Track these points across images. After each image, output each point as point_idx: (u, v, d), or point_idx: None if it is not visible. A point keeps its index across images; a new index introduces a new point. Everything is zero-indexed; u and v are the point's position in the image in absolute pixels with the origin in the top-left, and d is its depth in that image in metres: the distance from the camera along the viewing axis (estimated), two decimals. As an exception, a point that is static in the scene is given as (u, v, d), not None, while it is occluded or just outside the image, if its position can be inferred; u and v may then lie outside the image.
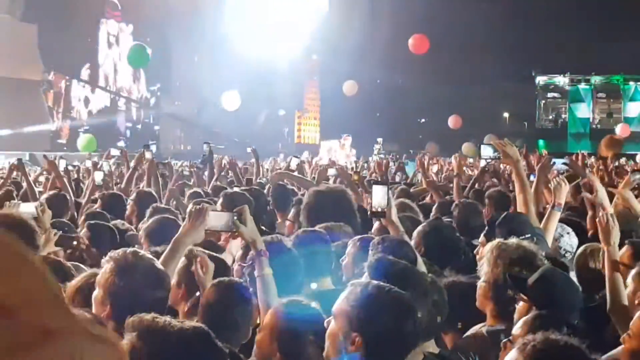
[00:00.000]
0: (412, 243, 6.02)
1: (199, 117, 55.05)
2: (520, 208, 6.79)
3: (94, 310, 3.90)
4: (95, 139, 24.47)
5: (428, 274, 4.85)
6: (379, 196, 5.78)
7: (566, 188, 6.90)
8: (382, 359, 3.37)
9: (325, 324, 3.50)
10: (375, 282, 3.63)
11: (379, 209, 5.80)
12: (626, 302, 4.85)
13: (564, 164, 8.92)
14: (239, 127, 52.06)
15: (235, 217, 4.61)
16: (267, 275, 4.59)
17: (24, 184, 12.56)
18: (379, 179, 12.85)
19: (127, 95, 53.20)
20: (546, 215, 6.76)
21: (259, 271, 4.59)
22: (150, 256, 4.18)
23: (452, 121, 38.74)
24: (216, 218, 4.63)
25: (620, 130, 44.72)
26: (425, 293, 4.11)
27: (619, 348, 4.03)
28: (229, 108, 23.14)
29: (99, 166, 12.99)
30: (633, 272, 4.88)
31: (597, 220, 5.04)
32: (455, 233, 6.40)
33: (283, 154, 36.13)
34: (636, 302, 4.67)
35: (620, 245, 5.81)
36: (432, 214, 8.54)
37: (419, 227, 6.34)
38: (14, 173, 13.49)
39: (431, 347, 4.26)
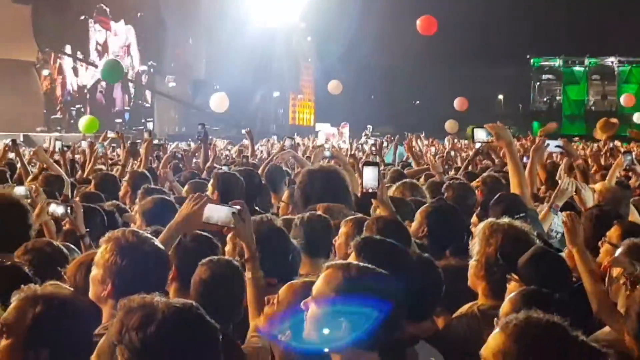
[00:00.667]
0: (415, 223, 6.08)
1: (193, 98, 54.97)
2: (514, 190, 6.83)
3: (92, 290, 3.93)
4: (97, 121, 24.45)
5: (424, 254, 4.88)
6: (370, 177, 5.81)
7: (569, 194, 6.92)
8: (369, 340, 3.35)
9: (302, 306, 3.46)
10: (355, 264, 3.61)
11: (370, 190, 5.83)
12: (609, 300, 4.84)
13: (557, 146, 8.95)
14: (234, 108, 51.95)
15: (234, 212, 4.51)
16: (258, 279, 4.55)
17: (19, 165, 12.58)
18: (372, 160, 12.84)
19: (129, 78, 53.09)
20: (542, 212, 6.82)
21: (251, 273, 4.54)
22: (149, 235, 4.19)
23: (458, 103, 38.67)
24: (215, 210, 4.53)
25: (624, 100, 44.81)
26: (412, 273, 4.11)
27: (605, 328, 4.06)
28: (217, 110, 23.03)
29: (95, 147, 13.04)
30: (618, 252, 4.90)
31: (562, 221, 5.05)
32: (458, 214, 6.41)
33: (277, 135, 36.07)
34: (621, 281, 4.70)
35: (610, 226, 5.85)
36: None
37: (422, 207, 6.34)
38: (8, 154, 13.48)
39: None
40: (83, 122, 24.55)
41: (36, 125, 44.46)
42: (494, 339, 3.13)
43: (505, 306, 4.12)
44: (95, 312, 3.57)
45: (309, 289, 3.54)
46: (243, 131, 14.43)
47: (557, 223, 6.66)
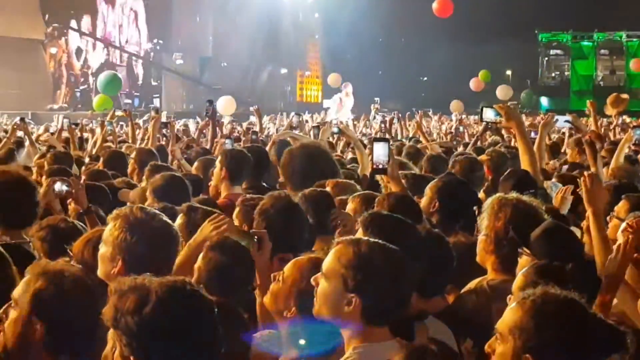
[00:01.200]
0: (425, 199, 6.04)
1: (201, 75, 54.94)
2: (524, 168, 6.82)
3: (101, 268, 3.92)
4: (109, 99, 24.57)
5: (434, 230, 4.88)
6: (380, 153, 5.80)
7: (570, 199, 6.90)
8: (379, 316, 3.38)
9: (312, 282, 3.48)
10: (365, 239, 3.60)
11: (381, 166, 5.82)
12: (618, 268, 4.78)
13: (567, 121, 8.95)
14: (241, 85, 51.88)
15: (255, 240, 4.41)
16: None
17: (27, 143, 12.62)
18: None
19: (134, 52, 53.14)
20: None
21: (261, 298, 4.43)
22: (157, 211, 4.18)
23: (474, 84, 38.68)
24: (234, 234, 4.46)
25: (633, 65, 44.77)
26: (421, 248, 4.11)
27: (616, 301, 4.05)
28: (225, 113, 23.03)
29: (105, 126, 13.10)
30: (623, 225, 4.87)
31: (582, 181, 4.99)
32: (469, 188, 6.39)
33: (285, 112, 36.03)
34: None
35: (618, 200, 5.84)
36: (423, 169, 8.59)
37: (432, 182, 6.33)
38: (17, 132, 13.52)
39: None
40: (96, 100, 24.67)
41: (45, 103, 44.51)
42: (511, 314, 3.12)
43: (518, 280, 4.10)
44: (102, 289, 3.58)
45: (314, 265, 3.54)
46: (251, 108, 14.43)
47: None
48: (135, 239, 3.82)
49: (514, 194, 5.07)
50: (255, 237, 4.43)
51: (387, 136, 15.18)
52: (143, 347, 2.64)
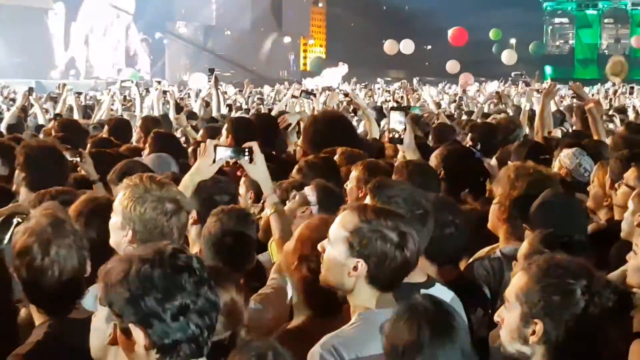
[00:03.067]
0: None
1: (204, 44, 54.81)
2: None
3: (112, 237, 3.92)
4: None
5: (447, 197, 4.90)
6: (396, 122, 5.84)
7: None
8: (385, 282, 3.38)
9: (319, 248, 3.48)
10: (371, 205, 3.61)
11: (396, 135, 5.86)
12: None
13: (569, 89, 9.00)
14: (245, 54, 51.82)
15: (246, 152, 4.46)
16: (280, 213, 4.53)
17: (32, 110, 12.70)
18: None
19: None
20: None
21: (271, 209, 4.52)
22: (167, 180, 4.16)
23: (463, 79, 38.60)
24: (225, 151, 4.46)
25: (635, 42, 44.64)
26: (431, 215, 4.09)
27: (626, 265, 4.05)
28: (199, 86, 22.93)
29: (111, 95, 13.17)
30: (634, 193, 4.90)
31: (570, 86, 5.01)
32: (474, 155, 6.40)
33: (287, 81, 35.96)
34: (635, 223, 4.70)
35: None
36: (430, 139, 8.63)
37: (437, 150, 6.33)
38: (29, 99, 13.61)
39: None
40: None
41: (49, 72, 44.47)
42: (517, 280, 3.14)
43: (523, 247, 4.08)
44: None
45: (325, 225, 3.56)
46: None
47: (587, 162, 6.63)
48: (144, 209, 3.85)
49: (530, 163, 5.06)
50: (246, 149, 4.46)
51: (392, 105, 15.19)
52: (136, 311, 2.67)
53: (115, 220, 3.91)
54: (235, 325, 3.39)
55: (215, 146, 4.45)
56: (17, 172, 5.92)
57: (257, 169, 4.51)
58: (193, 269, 2.73)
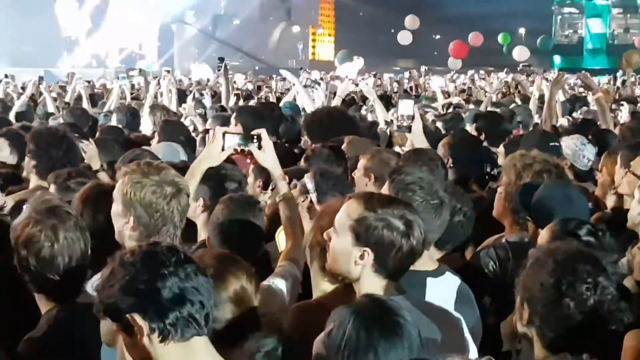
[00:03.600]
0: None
1: (214, 33, 54.81)
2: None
3: (115, 224, 3.92)
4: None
5: (457, 185, 4.91)
6: (405, 110, 5.88)
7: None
8: (391, 270, 3.40)
9: (325, 236, 3.50)
10: (377, 193, 3.63)
11: (405, 123, 5.89)
12: None
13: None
14: (253, 43, 51.79)
15: (255, 139, 4.45)
16: (289, 200, 4.53)
17: (41, 98, 12.76)
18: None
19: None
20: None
21: (280, 195, 4.52)
22: (166, 164, 4.18)
23: (473, 39, 38.54)
24: (233, 138, 4.46)
25: (638, 42, 44.48)
26: (444, 205, 4.07)
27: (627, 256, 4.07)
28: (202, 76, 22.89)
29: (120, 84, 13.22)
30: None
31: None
32: (481, 144, 6.42)
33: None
34: None
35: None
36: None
37: (445, 139, 6.35)
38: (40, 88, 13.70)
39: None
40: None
41: (56, 61, 44.52)
42: (531, 271, 3.19)
43: (543, 236, 4.02)
44: None
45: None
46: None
47: (590, 151, 6.65)
48: (142, 194, 3.85)
49: (535, 151, 5.08)
50: (255, 136, 4.47)
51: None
52: (129, 300, 2.69)
53: (115, 207, 3.92)
54: (245, 313, 3.39)
55: (224, 133, 4.46)
56: (26, 159, 5.95)
57: (266, 155, 4.50)
58: (174, 249, 2.77)
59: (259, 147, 4.46)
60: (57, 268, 3.64)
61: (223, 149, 4.42)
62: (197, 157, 4.66)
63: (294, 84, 11.54)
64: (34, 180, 5.83)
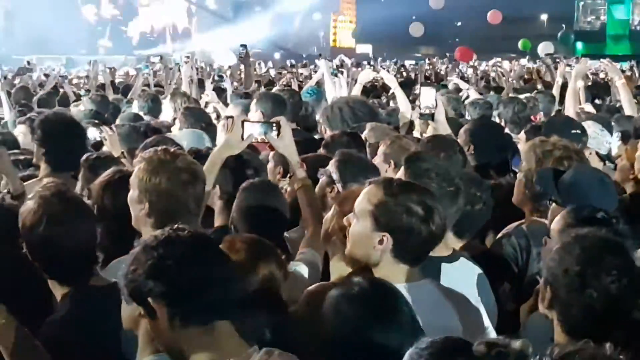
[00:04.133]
0: (459, 142, 6.01)
1: (234, 20, 54.80)
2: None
3: (132, 210, 3.92)
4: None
5: (475, 173, 4.90)
6: (427, 98, 5.87)
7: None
8: (410, 255, 3.41)
9: (344, 222, 3.52)
10: (397, 179, 3.64)
11: (427, 110, 5.89)
12: None
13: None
14: (275, 30, 51.76)
15: (274, 126, 4.45)
16: (307, 187, 4.55)
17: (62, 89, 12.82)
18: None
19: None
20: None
21: (299, 183, 4.52)
22: (182, 151, 4.20)
23: (491, 16, 38.27)
24: (253, 127, 4.47)
25: None
26: (460, 193, 4.08)
27: None
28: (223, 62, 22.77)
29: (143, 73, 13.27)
30: None
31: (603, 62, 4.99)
32: (503, 131, 6.40)
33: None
34: None
35: None
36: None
37: (466, 125, 6.33)
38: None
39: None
40: None
41: (79, 48, 44.65)
42: (551, 256, 3.17)
43: (557, 222, 3.99)
44: None
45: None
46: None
47: (607, 135, 6.62)
48: (158, 180, 3.86)
49: (555, 137, 5.04)
50: (274, 123, 4.48)
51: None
52: (149, 285, 2.71)
53: (132, 193, 3.93)
54: (272, 300, 3.40)
55: (243, 121, 4.48)
56: (35, 147, 5.93)
57: (285, 143, 4.50)
58: (198, 234, 2.79)
59: (278, 135, 4.47)
60: (65, 252, 3.64)
61: (242, 138, 4.44)
62: (217, 146, 4.66)
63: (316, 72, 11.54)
64: (43, 168, 5.81)
